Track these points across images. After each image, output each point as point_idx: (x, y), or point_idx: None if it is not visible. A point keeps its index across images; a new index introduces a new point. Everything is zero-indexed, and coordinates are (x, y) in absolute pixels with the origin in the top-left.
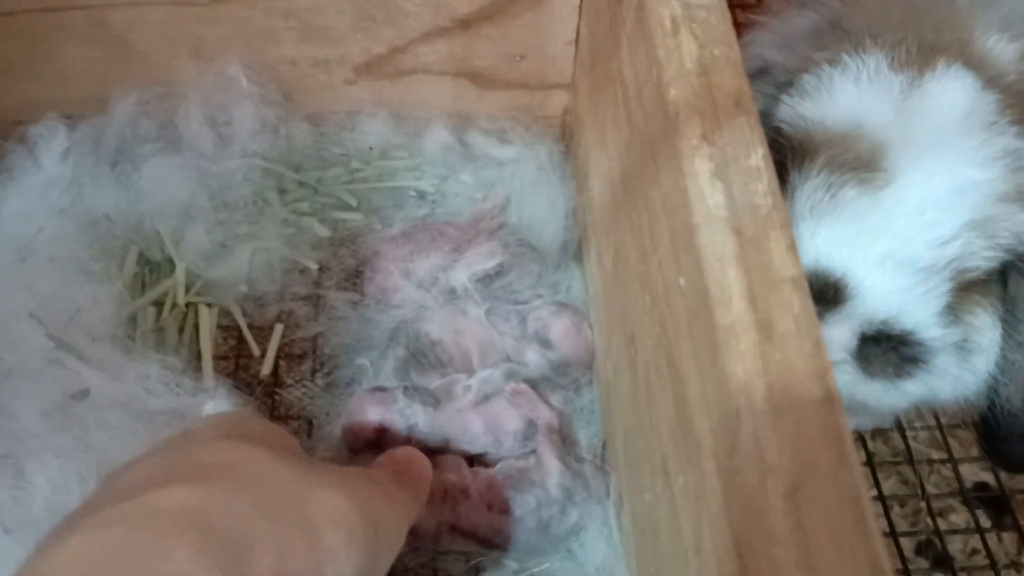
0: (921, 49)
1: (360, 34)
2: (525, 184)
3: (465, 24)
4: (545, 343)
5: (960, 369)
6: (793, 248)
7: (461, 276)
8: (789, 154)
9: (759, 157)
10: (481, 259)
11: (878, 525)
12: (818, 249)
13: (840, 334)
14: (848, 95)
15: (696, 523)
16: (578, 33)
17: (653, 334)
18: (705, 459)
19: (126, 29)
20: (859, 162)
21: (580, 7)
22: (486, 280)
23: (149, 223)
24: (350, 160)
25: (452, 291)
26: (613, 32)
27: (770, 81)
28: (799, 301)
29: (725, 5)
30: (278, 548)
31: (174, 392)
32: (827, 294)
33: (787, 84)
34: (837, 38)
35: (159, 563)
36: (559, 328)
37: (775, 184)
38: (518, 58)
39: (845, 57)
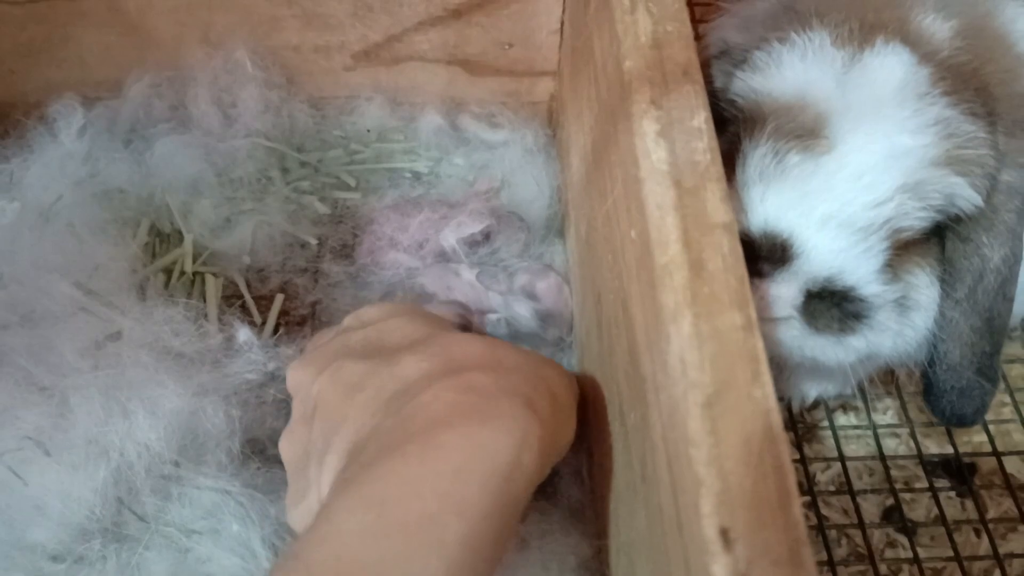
0: (863, 27)
1: (358, 22)
2: (513, 166)
3: (457, 14)
4: (532, 296)
5: (900, 325)
6: (726, 198)
7: (450, 237)
8: (742, 125)
9: (701, 120)
10: (469, 221)
11: (787, 436)
12: (767, 212)
13: (788, 291)
14: (795, 69)
15: (642, 451)
16: (563, 22)
17: (613, 288)
18: (648, 391)
19: (140, 16)
20: (803, 130)
21: None
22: (474, 245)
23: (160, 197)
24: (349, 142)
25: (442, 253)
26: (588, 17)
27: (729, 61)
28: (728, 243)
29: None
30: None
31: (199, 333)
32: (775, 254)
33: (743, 62)
34: (789, 20)
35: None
36: (544, 284)
37: (715, 143)
38: (507, 46)
39: (793, 35)
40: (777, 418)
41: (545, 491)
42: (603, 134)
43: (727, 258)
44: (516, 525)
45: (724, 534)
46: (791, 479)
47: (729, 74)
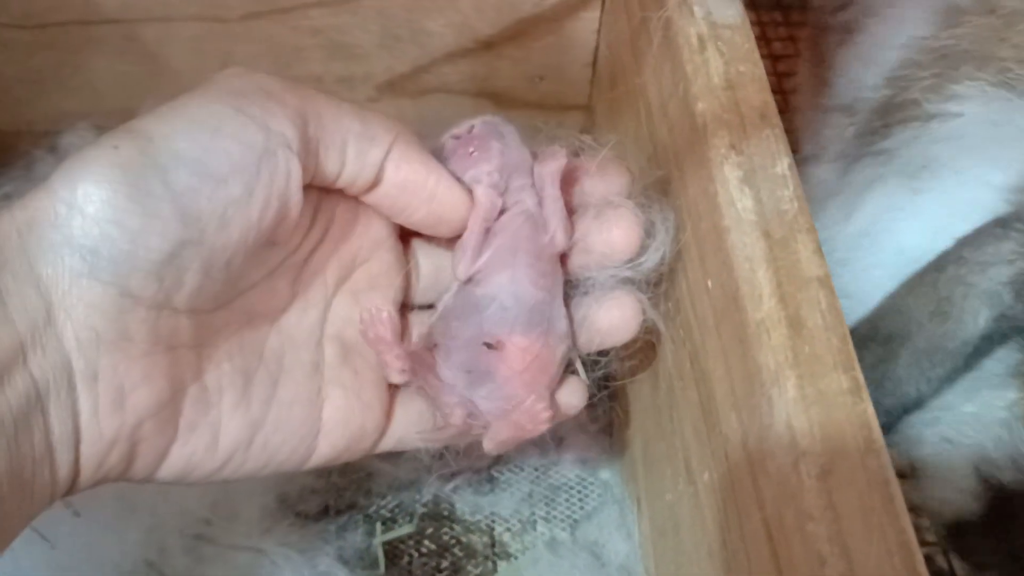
0: None
1: (386, 52)
2: None
3: (488, 46)
4: None
5: None
6: (819, 250)
7: None
8: None
9: (785, 166)
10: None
11: (906, 507)
12: None
13: None
14: None
15: (722, 515)
16: (596, 56)
17: (676, 337)
18: (732, 451)
19: (157, 44)
20: None
21: (599, 31)
22: None
23: None
24: None
25: None
26: (635, 53)
27: None
28: (825, 299)
29: (749, 25)
30: None
31: None
32: None
33: None
34: None
35: None
36: None
37: (800, 191)
38: (537, 79)
39: None
40: (897, 491)
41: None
42: (660, 177)
43: (826, 315)
44: None
45: None
46: (918, 557)
47: None
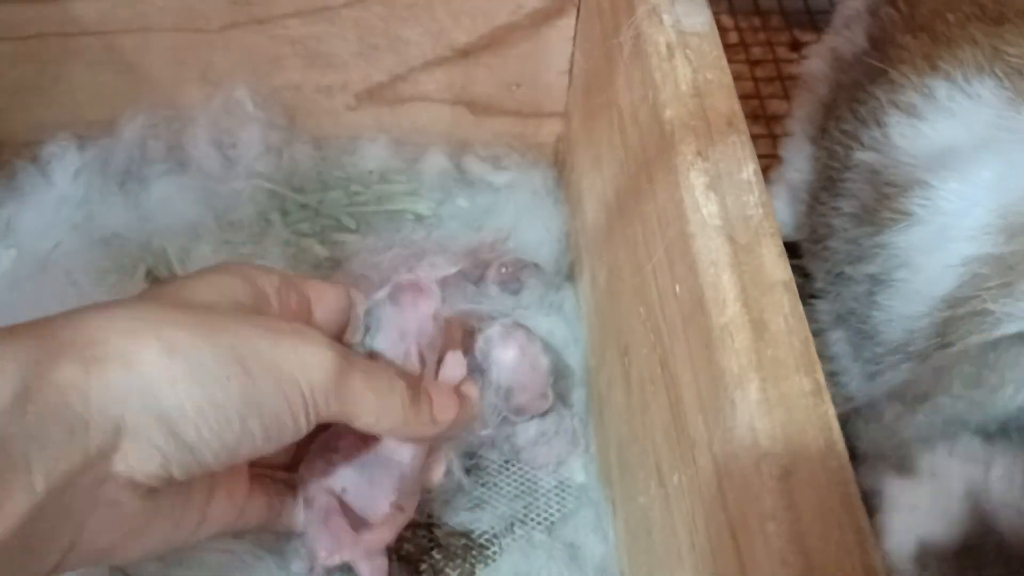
0: None
1: (363, 61)
2: (520, 209)
3: (464, 53)
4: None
5: None
6: (783, 255)
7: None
8: None
9: (750, 172)
10: (443, 263)
11: (864, 508)
12: None
13: None
14: None
15: (690, 518)
16: (572, 63)
17: (647, 343)
18: (700, 454)
19: (136, 54)
20: None
21: (574, 38)
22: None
23: (157, 241)
24: (350, 183)
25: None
26: (608, 60)
27: None
28: (789, 303)
29: (716, 33)
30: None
31: None
32: None
33: None
34: None
35: None
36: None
37: (766, 197)
38: (514, 87)
39: None
40: (855, 490)
41: (568, 550)
42: (632, 183)
43: (789, 319)
44: None
45: None
46: (876, 554)
47: None
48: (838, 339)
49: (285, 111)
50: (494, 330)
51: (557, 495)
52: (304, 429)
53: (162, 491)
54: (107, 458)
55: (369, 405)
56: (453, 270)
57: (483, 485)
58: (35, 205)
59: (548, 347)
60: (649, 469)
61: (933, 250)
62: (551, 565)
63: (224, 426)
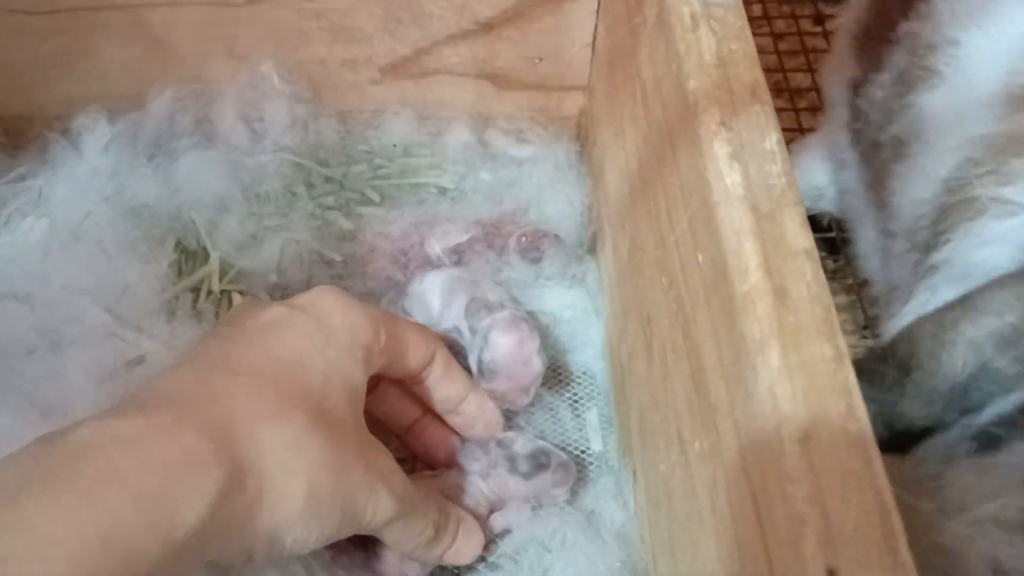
0: None
1: (387, 35)
2: (543, 182)
3: (487, 27)
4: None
5: None
6: (805, 224)
7: (435, 246)
8: None
9: (773, 142)
10: (454, 230)
11: (884, 469)
12: None
13: None
14: None
15: (711, 483)
16: (595, 36)
17: (669, 312)
18: (721, 420)
19: (164, 29)
20: None
21: (597, 12)
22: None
23: (186, 214)
24: (374, 157)
25: (427, 261)
26: (632, 33)
27: None
28: (811, 270)
29: (740, 4)
30: None
31: None
32: None
33: None
34: None
35: None
36: (502, 338)
37: (788, 166)
38: (537, 60)
39: None
40: (876, 453)
41: (588, 518)
42: (655, 154)
43: (811, 286)
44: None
45: (831, 574)
46: (895, 517)
47: None
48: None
49: (310, 85)
50: (502, 314)
51: (577, 464)
52: (373, 349)
53: None
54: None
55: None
56: (464, 237)
57: None
58: (66, 177)
59: (544, 350)
60: (671, 437)
61: (945, 123)
62: (566, 530)
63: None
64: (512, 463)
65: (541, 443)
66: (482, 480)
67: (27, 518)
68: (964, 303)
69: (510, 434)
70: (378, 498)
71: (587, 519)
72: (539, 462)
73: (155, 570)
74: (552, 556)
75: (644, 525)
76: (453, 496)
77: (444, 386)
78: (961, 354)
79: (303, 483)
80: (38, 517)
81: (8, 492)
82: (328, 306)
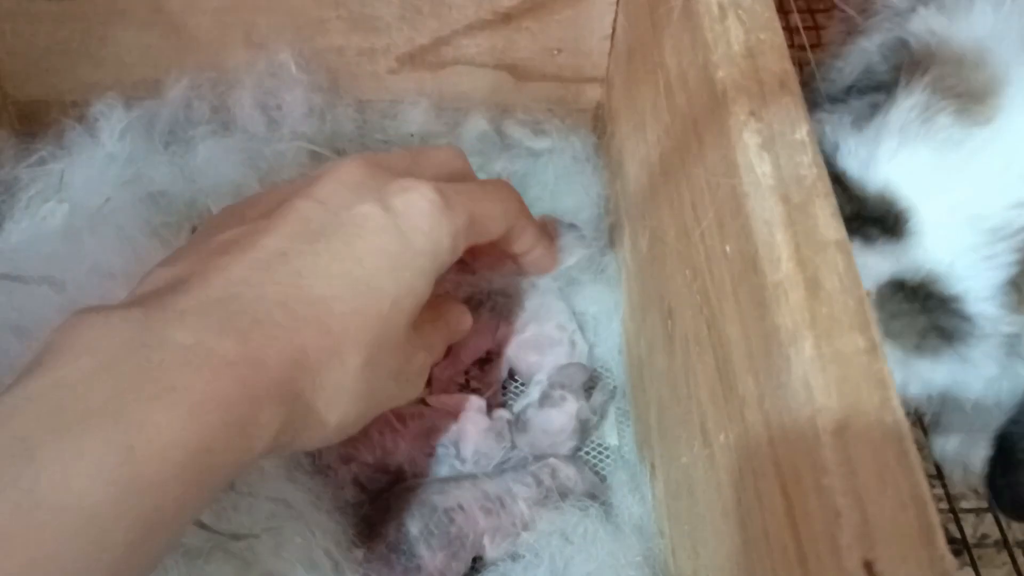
0: None
1: (406, 25)
2: (560, 174)
3: (507, 18)
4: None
5: (1002, 368)
6: (837, 215)
7: None
8: (905, 69)
9: (804, 132)
10: None
11: (921, 463)
12: (892, 171)
13: (876, 264)
14: (984, 17)
15: (738, 475)
16: (614, 28)
17: (692, 304)
18: (749, 412)
19: (182, 15)
20: (967, 91)
21: (617, 3)
22: None
23: (202, 201)
24: (391, 146)
25: None
26: (655, 24)
27: None
28: (843, 262)
29: None
30: None
31: None
32: (885, 222)
33: None
34: None
35: None
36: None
37: (819, 158)
38: (555, 52)
39: None
40: (911, 446)
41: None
42: (679, 146)
43: (843, 278)
44: None
45: (868, 567)
46: (931, 510)
47: (909, 10)
48: None
49: (328, 74)
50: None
51: (593, 458)
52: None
53: None
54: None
55: (492, 211)
56: None
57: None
58: (84, 163)
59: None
60: (693, 429)
61: None
62: (587, 523)
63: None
64: (562, 497)
65: (593, 477)
66: (526, 505)
67: (146, 420)
68: None
69: (564, 467)
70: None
71: (606, 513)
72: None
73: (219, 488)
74: (573, 548)
75: (663, 518)
76: (492, 507)
77: (515, 242)
78: None
79: (338, 416)
80: (160, 418)
81: (133, 382)
82: (417, 219)
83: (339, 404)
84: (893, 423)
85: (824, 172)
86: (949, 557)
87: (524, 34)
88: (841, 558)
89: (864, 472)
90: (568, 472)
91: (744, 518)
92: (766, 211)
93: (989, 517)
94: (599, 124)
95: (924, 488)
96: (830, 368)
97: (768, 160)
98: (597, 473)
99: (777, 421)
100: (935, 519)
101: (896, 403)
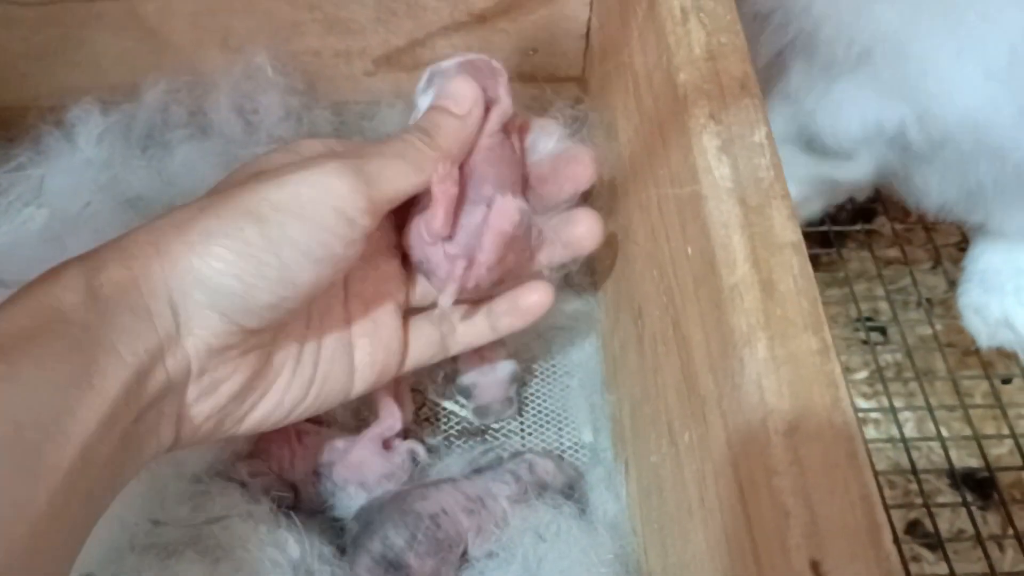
0: None
1: (381, 27)
2: None
3: (482, 19)
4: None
5: None
6: (793, 217)
7: None
8: None
9: (762, 135)
10: None
11: (870, 462)
12: None
13: None
14: None
15: (700, 475)
16: (588, 28)
17: (660, 304)
18: (709, 411)
19: (158, 20)
20: None
21: (591, 3)
22: None
23: (180, 204)
24: None
25: None
26: (624, 25)
27: None
28: (798, 264)
29: None
30: None
31: None
32: None
33: None
34: None
35: None
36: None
37: (777, 159)
38: (531, 52)
39: None
40: (861, 447)
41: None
42: (646, 147)
43: (798, 279)
44: None
45: (815, 567)
46: (879, 509)
47: None
48: None
49: (304, 76)
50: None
51: (570, 456)
52: (362, 228)
53: (257, 344)
54: (178, 337)
55: (403, 170)
56: None
57: (496, 446)
58: (63, 167)
59: None
60: (661, 428)
61: None
62: (561, 521)
63: (260, 265)
64: (541, 492)
65: (571, 471)
66: (507, 503)
67: None
68: None
69: (541, 461)
70: (313, 180)
71: (580, 510)
72: (566, 495)
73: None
74: (546, 546)
75: (636, 516)
76: (474, 508)
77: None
78: None
79: (168, 227)
80: None
81: None
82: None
83: None
84: (844, 423)
85: (781, 173)
86: (895, 557)
87: (500, 35)
88: (790, 558)
89: (813, 472)
90: (546, 466)
91: (707, 517)
92: (723, 214)
93: (964, 512)
94: (575, 124)
95: (873, 488)
96: (783, 369)
97: (727, 162)
98: (575, 470)
99: (733, 422)
100: (883, 518)
101: (847, 404)
